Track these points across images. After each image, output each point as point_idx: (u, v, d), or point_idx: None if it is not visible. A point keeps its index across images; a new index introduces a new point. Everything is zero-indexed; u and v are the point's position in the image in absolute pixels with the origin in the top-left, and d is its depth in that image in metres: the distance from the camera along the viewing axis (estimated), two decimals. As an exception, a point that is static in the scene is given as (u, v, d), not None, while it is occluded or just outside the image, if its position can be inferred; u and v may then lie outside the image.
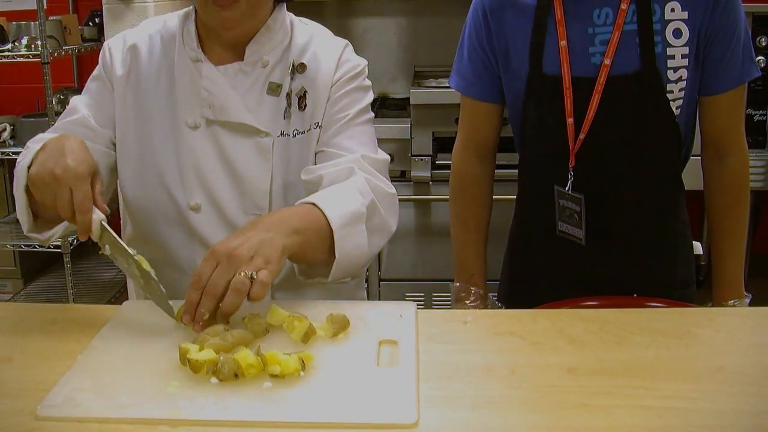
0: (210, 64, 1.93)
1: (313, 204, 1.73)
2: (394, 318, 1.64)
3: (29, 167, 1.63)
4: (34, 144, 1.80)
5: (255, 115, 1.92)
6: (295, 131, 1.94)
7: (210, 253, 1.54)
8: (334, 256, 1.72)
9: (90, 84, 2.02)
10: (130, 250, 1.61)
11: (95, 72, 2.02)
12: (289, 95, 1.94)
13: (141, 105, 1.96)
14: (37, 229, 1.76)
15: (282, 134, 1.93)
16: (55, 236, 1.81)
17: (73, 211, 1.55)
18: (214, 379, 1.38)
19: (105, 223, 1.59)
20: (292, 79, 1.95)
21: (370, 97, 2.05)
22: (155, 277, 1.59)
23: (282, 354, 1.40)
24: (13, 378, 1.46)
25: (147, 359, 1.47)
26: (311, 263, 1.76)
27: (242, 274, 1.50)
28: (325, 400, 1.34)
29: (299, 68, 1.96)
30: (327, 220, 1.71)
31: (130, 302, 1.77)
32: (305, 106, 1.95)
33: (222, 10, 1.82)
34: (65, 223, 1.79)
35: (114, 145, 1.97)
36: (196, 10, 1.95)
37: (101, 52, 2.02)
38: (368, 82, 2.05)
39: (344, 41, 2.05)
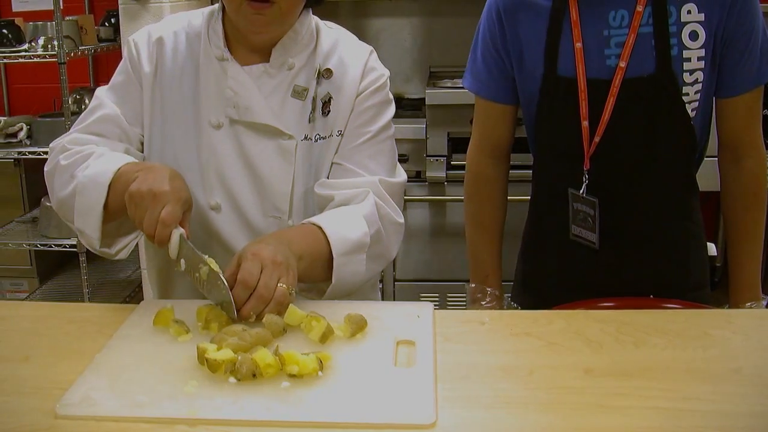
0: (236, 63, 1.93)
1: (319, 226, 1.77)
2: (412, 318, 1.65)
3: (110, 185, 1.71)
4: (75, 146, 1.86)
5: (279, 118, 1.92)
6: (317, 136, 1.95)
7: (252, 255, 1.61)
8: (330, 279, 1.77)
9: (117, 78, 2.00)
10: (202, 255, 1.65)
11: (121, 66, 2.00)
12: (314, 99, 1.94)
13: (165, 101, 1.96)
14: (104, 243, 1.80)
15: (306, 138, 1.93)
16: (125, 251, 1.86)
17: (155, 227, 1.62)
18: (232, 379, 1.39)
19: (184, 236, 1.66)
20: (317, 83, 1.95)
21: (392, 110, 2.05)
22: (223, 277, 1.61)
23: (300, 354, 1.41)
24: (31, 377, 1.47)
25: (165, 358, 1.48)
26: (307, 282, 1.81)
27: (284, 286, 1.59)
28: (343, 400, 1.35)
29: (325, 73, 1.96)
30: (329, 245, 1.75)
31: (147, 301, 1.78)
32: (329, 111, 1.95)
33: (255, 13, 1.82)
34: (134, 237, 1.87)
35: (142, 144, 1.98)
36: (223, 10, 1.95)
37: (126, 46, 2.00)
38: (391, 96, 2.05)
39: (369, 47, 2.05)
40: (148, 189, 1.63)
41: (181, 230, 1.65)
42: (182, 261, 1.67)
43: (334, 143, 1.96)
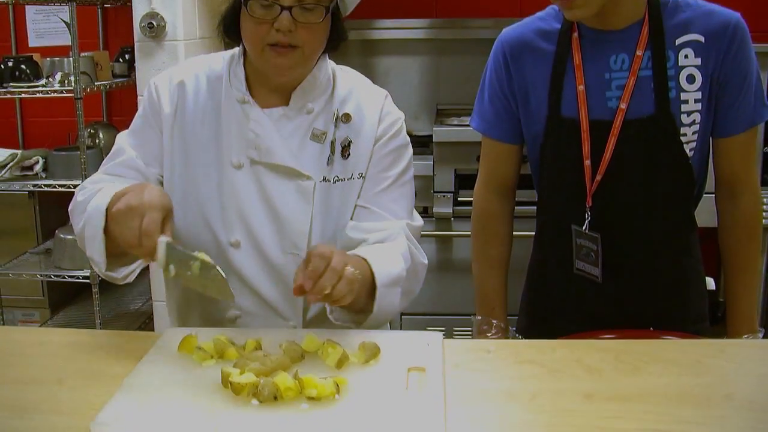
0: (257, 106, 1.99)
1: (364, 259, 1.82)
2: (422, 346, 1.73)
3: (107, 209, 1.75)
4: (92, 185, 1.92)
5: (298, 159, 1.99)
6: (336, 178, 2.00)
7: (321, 252, 1.69)
8: (370, 309, 1.83)
9: (136, 122, 2.07)
10: (192, 253, 1.70)
11: (141, 110, 2.07)
12: (333, 143, 2.00)
13: (186, 142, 2.01)
14: (111, 267, 1.85)
15: (324, 180, 2.00)
16: (131, 275, 1.91)
17: (140, 238, 1.66)
18: (254, 401, 1.47)
19: (170, 241, 1.69)
20: (336, 127, 2.02)
21: (410, 152, 2.12)
22: (218, 268, 1.70)
23: (318, 378, 1.50)
24: (65, 398, 1.56)
25: (190, 382, 1.56)
26: (348, 309, 1.85)
27: (351, 268, 1.71)
28: (359, 422, 1.43)
29: (344, 118, 2.02)
30: (373, 276, 1.81)
31: (171, 329, 1.86)
32: (349, 155, 2.02)
33: (278, 56, 1.88)
34: (140, 262, 1.90)
35: (161, 183, 2.03)
36: (244, 53, 2.01)
37: (147, 89, 2.06)
38: (407, 138, 2.12)
39: (384, 92, 2.11)
40: (125, 206, 1.67)
41: (166, 238, 1.68)
42: (171, 267, 1.70)
43: (355, 185, 2.02)
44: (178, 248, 1.70)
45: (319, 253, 1.68)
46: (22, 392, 1.59)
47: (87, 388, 1.60)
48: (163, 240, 1.67)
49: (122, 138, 2.07)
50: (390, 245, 1.94)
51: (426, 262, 2.06)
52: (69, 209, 1.98)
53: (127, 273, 1.90)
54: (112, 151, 2.06)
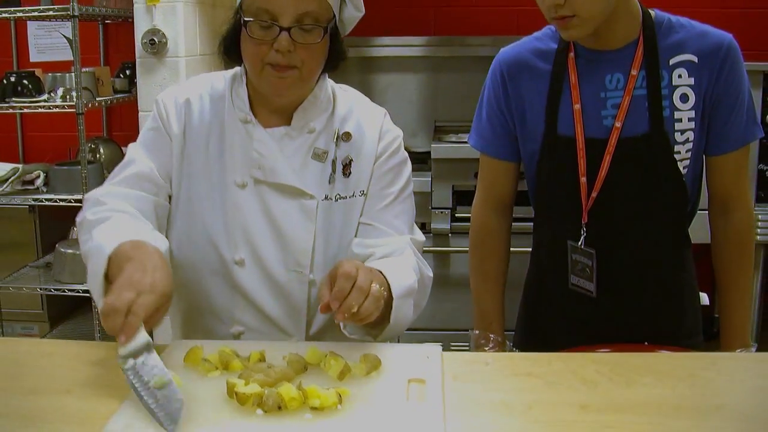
0: (260, 126, 2.02)
1: (379, 271, 1.84)
2: (422, 358, 1.77)
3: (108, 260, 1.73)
4: (104, 198, 1.93)
5: (301, 179, 2.01)
6: (338, 196, 2.04)
7: (346, 272, 1.71)
8: (384, 321, 1.85)
9: (146, 135, 2.06)
10: (165, 371, 1.57)
11: (152, 124, 2.06)
12: (334, 162, 2.04)
13: (192, 161, 2.03)
14: None
15: (326, 198, 2.03)
16: None
17: (126, 313, 1.58)
18: (259, 411, 1.50)
19: (151, 344, 1.60)
20: (337, 146, 2.05)
21: (409, 168, 2.15)
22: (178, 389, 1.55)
23: (321, 389, 1.53)
24: (75, 407, 1.59)
25: (196, 392, 1.59)
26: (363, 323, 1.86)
27: (377, 285, 1.74)
28: (361, 431, 1.47)
29: (344, 137, 2.06)
30: (389, 288, 1.83)
31: (178, 342, 1.89)
32: (350, 173, 2.05)
33: (278, 77, 1.91)
34: None
35: (170, 197, 2.05)
36: (246, 73, 2.04)
37: (155, 106, 2.07)
38: (406, 154, 2.14)
39: (382, 110, 2.14)
40: (127, 278, 1.62)
41: (148, 338, 1.60)
42: (131, 361, 1.57)
43: (357, 203, 2.05)
44: (154, 356, 1.60)
45: (344, 272, 1.70)
46: (32, 402, 1.62)
47: (95, 398, 1.63)
48: (144, 337, 1.59)
49: (135, 149, 2.06)
50: (400, 259, 1.97)
51: (431, 275, 2.09)
52: (77, 220, 1.99)
53: None
54: (124, 161, 2.05)
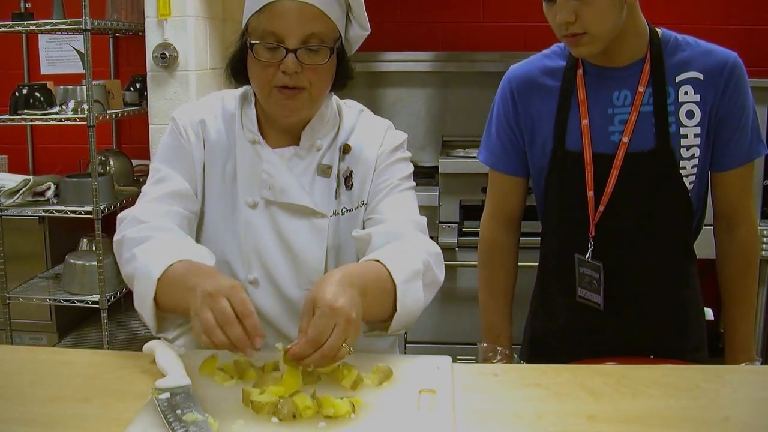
0: (268, 147, 2.03)
1: (377, 261, 1.85)
2: (432, 369, 1.80)
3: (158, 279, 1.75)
4: (143, 216, 1.93)
5: (311, 198, 2.02)
6: (344, 209, 2.06)
7: (329, 309, 1.61)
8: (394, 311, 1.83)
9: (167, 154, 2.06)
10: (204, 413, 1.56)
11: (172, 142, 2.06)
12: (338, 176, 2.06)
13: (210, 180, 2.05)
14: (161, 329, 1.85)
15: (334, 213, 2.04)
16: (180, 336, 1.87)
17: (237, 319, 1.60)
18: (274, 419, 1.53)
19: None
20: (340, 160, 2.07)
21: (410, 167, 2.15)
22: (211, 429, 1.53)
23: (335, 398, 1.56)
24: (93, 415, 1.62)
25: (212, 400, 1.62)
26: (371, 320, 1.87)
27: (346, 347, 1.64)
28: (374, 440, 1.50)
29: (345, 149, 2.07)
30: (390, 276, 1.82)
31: (192, 351, 1.92)
32: (352, 185, 2.06)
33: (286, 99, 1.92)
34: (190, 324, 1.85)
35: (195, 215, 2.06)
36: (255, 94, 2.04)
37: (173, 123, 2.07)
38: (408, 153, 2.15)
39: (387, 122, 2.16)
40: (202, 293, 1.63)
41: (189, 381, 1.66)
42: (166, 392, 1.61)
43: (361, 213, 2.07)
44: (192, 399, 1.61)
45: (316, 333, 1.61)
46: (51, 409, 1.65)
47: (113, 405, 1.66)
48: (184, 381, 1.65)
49: (163, 167, 2.05)
50: (400, 243, 1.94)
51: (439, 251, 2.03)
52: (115, 239, 1.97)
53: (176, 335, 1.86)
54: (155, 178, 2.04)
